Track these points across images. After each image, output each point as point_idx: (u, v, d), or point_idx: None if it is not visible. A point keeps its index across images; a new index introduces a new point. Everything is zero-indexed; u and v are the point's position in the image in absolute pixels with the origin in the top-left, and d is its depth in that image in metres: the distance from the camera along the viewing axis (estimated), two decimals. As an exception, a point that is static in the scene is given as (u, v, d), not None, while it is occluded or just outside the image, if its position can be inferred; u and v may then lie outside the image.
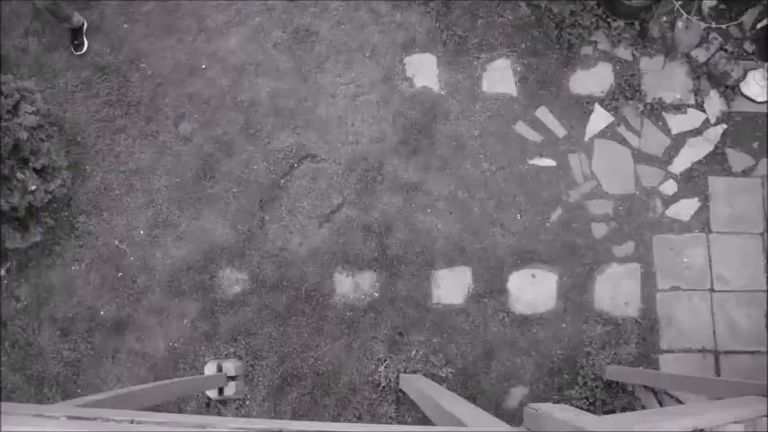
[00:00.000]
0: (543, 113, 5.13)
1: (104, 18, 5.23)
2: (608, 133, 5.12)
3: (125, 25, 5.23)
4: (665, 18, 5.18)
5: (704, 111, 5.16)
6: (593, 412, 4.61)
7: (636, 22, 5.19)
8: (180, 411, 4.66)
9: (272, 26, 5.23)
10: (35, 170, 4.41)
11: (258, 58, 5.18)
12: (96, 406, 2.44)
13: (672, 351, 4.84)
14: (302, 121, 5.07)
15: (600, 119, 5.13)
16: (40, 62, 5.14)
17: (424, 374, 4.65)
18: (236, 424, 1.54)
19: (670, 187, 5.05)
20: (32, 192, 4.39)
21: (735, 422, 2.33)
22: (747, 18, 5.13)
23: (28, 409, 1.65)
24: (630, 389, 4.66)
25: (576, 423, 1.58)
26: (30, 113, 4.35)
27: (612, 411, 4.64)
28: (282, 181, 4.99)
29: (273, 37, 5.22)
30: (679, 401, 4.60)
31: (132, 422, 1.56)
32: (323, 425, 1.57)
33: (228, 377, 4.49)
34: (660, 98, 5.14)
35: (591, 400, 4.66)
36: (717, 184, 5.06)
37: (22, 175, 4.28)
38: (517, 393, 4.75)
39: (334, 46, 5.21)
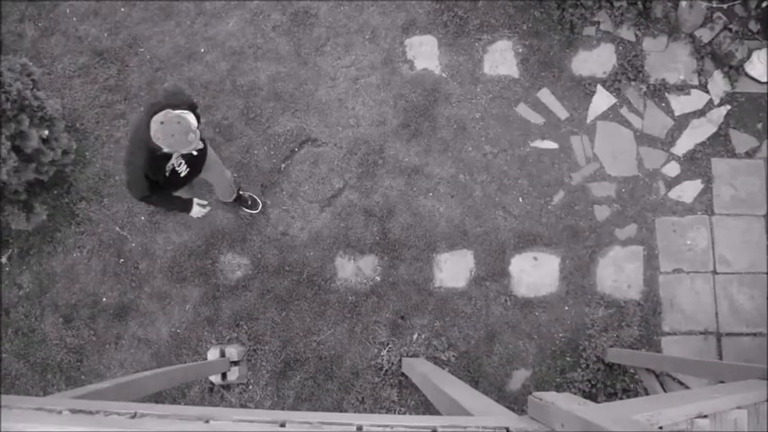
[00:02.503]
0: (545, 95, 5.09)
1: (101, 2, 5.17)
2: (610, 115, 5.08)
3: (122, 9, 5.17)
4: (668, -3, 5.12)
5: (708, 92, 5.11)
6: (596, 395, 4.63)
7: (639, 2, 5.11)
8: (183, 396, 4.68)
9: (271, 9, 5.17)
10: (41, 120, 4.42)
11: (257, 41, 5.13)
12: (99, 395, 2.44)
13: (674, 333, 4.85)
14: (302, 104, 5.03)
15: (602, 100, 5.09)
16: (37, 47, 5.10)
17: (427, 358, 4.66)
18: (240, 415, 1.54)
19: (673, 169, 5.02)
20: (45, 139, 4.39)
21: (738, 407, 2.33)
22: (752, -4, 5.06)
23: (29, 402, 1.65)
24: (632, 371, 4.67)
25: (579, 413, 1.57)
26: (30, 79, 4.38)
27: (614, 394, 4.66)
28: (283, 165, 4.97)
29: (272, 20, 5.16)
30: (681, 384, 4.61)
31: (135, 416, 1.56)
32: (326, 416, 1.57)
33: (231, 362, 4.51)
34: (663, 79, 5.10)
35: (593, 383, 4.68)
36: (720, 165, 5.03)
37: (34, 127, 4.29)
38: (520, 376, 4.76)
39: (334, 28, 5.16)
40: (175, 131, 3.12)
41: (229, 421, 1.51)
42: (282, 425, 1.49)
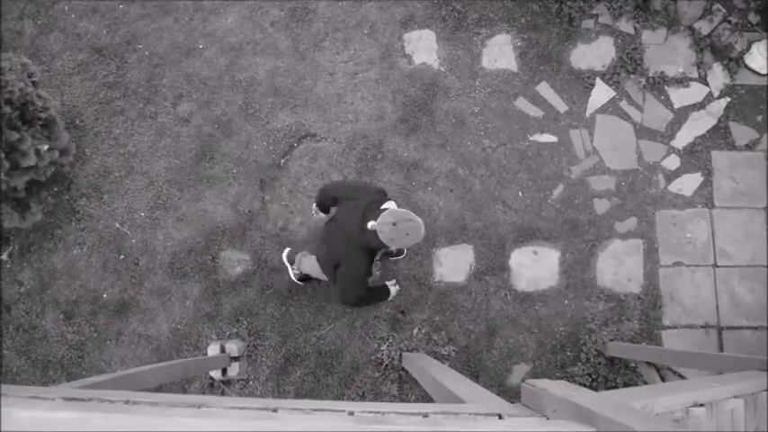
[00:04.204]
0: (544, 89, 5.08)
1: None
2: (610, 108, 5.07)
3: (120, 6, 5.18)
4: (667, -10, 5.10)
5: (707, 84, 5.10)
6: (596, 389, 4.62)
7: (638, -5, 5.11)
8: (184, 392, 4.69)
9: (269, 4, 5.17)
10: (41, 126, 4.40)
11: (256, 36, 5.13)
12: (97, 387, 2.45)
13: (675, 327, 4.84)
14: (301, 99, 5.03)
15: (601, 93, 5.08)
16: (36, 45, 5.11)
17: (427, 353, 4.66)
18: (232, 403, 1.54)
19: (673, 162, 5.01)
20: (45, 152, 4.36)
21: (735, 397, 2.33)
22: (752, -12, 5.04)
23: (25, 391, 1.65)
24: (633, 365, 4.66)
25: (572, 399, 1.57)
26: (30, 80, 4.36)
27: (615, 388, 4.65)
28: (282, 161, 4.97)
29: (271, 15, 5.17)
30: (682, 377, 4.60)
31: (128, 402, 1.56)
32: (318, 403, 1.57)
33: (231, 358, 4.52)
34: (662, 72, 5.09)
35: (594, 377, 4.67)
36: (720, 158, 5.02)
37: (33, 139, 4.25)
38: (520, 371, 4.75)
39: (332, 23, 5.16)
40: (410, 230, 3.00)
41: (221, 408, 1.51)
42: (274, 410, 1.49)
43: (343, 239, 3.33)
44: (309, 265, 4.19)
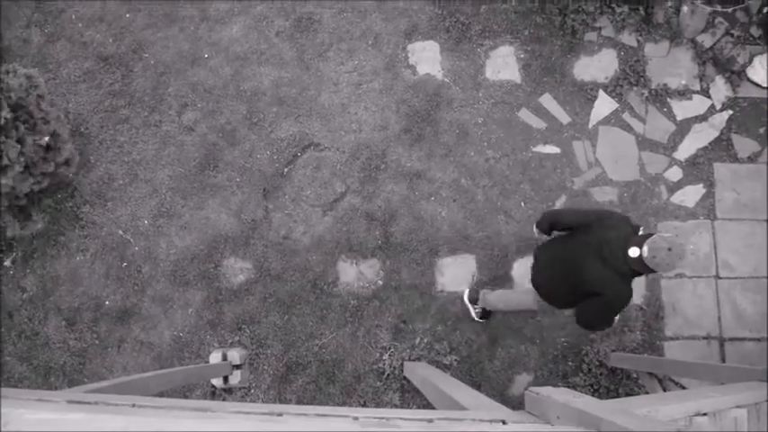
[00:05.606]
0: (547, 100, 5.10)
1: (106, 8, 5.22)
2: (612, 120, 5.09)
3: (127, 15, 5.22)
4: (670, 2, 5.13)
5: (710, 97, 5.12)
6: (598, 399, 4.60)
7: (640, 7, 5.14)
8: (185, 399, 4.68)
9: (275, 15, 5.21)
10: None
11: (261, 46, 5.17)
12: (99, 392, 2.45)
13: (677, 338, 4.83)
14: (305, 109, 5.06)
15: (604, 105, 5.10)
16: (43, 53, 5.14)
17: (429, 362, 4.65)
18: (237, 408, 1.55)
19: (675, 174, 5.02)
20: (46, 146, 4.37)
21: (738, 407, 2.33)
22: (754, 2, 5.06)
23: (30, 395, 1.66)
24: (635, 376, 4.65)
25: (576, 405, 1.58)
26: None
27: (617, 398, 4.64)
28: (286, 170, 4.99)
29: (276, 25, 5.21)
30: (683, 388, 4.59)
31: (133, 406, 1.57)
32: (323, 409, 1.57)
33: (233, 366, 4.51)
34: (665, 84, 5.11)
35: (595, 387, 4.66)
36: (722, 170, 5.03)
37: (35, 146, 4.27)
38: (522, 381, 4.74)
39: (337, 34, 5.19)
40: (682, 253, 3.05)
41: (226, 413, 1.52)
42: (279, 415, 1.50)
43: (604, 269, 3.33)
44: (498, 298, 4.42)
